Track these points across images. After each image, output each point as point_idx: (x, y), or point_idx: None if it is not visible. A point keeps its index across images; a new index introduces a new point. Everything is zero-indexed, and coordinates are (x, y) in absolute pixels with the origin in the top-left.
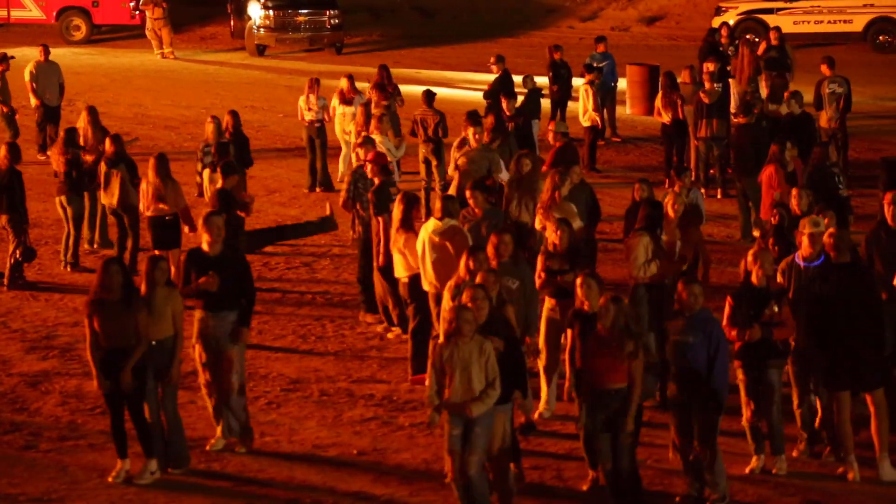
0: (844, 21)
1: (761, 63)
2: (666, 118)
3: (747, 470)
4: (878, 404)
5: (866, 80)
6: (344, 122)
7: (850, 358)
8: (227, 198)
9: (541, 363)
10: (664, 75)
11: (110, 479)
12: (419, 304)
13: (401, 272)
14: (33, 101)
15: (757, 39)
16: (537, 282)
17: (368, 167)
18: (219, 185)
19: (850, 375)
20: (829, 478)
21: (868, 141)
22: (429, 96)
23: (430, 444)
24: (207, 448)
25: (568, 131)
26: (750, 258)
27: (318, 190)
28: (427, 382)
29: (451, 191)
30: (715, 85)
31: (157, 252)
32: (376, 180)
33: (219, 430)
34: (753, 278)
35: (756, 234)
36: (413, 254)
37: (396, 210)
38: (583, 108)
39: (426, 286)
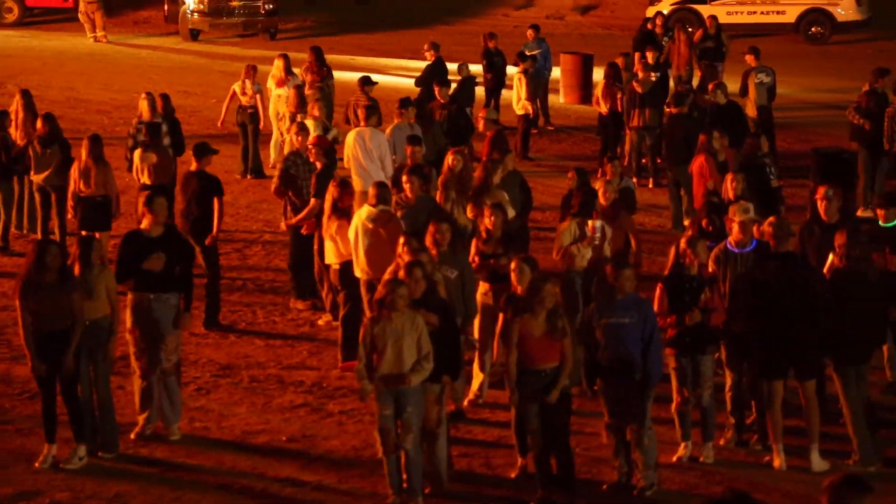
0: (777, 12)
1: (696, 51)
2: (604, 108)
3: (674, 458)
4: (810, 395)
5: (798, 71)
6: (278, 105)
7: (786, 347)
8: (207, 180)
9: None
10: (608, 66)
11: (37, 465)
12: (350, 291)
13: (332, 259)
14: None
15: (691, 29)
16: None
17: (312, 151)
18: (193, 167)
19: (786, 365)
20: (756, 466)
21: (798, 132)
22: (364, 82)
23: (360, 431)
24: (133, 436)
25: (498, 118)
26: (683, 244)
27: (248, 177)
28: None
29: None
30: (652, 74)
31: (84, 233)
32: (318, 164)
33: (142, 417)
34: (688, 265)
35: (687, 223)
36: (345, 240)
37: (329, 196)
38: (516, 97)
39: (358, 273)
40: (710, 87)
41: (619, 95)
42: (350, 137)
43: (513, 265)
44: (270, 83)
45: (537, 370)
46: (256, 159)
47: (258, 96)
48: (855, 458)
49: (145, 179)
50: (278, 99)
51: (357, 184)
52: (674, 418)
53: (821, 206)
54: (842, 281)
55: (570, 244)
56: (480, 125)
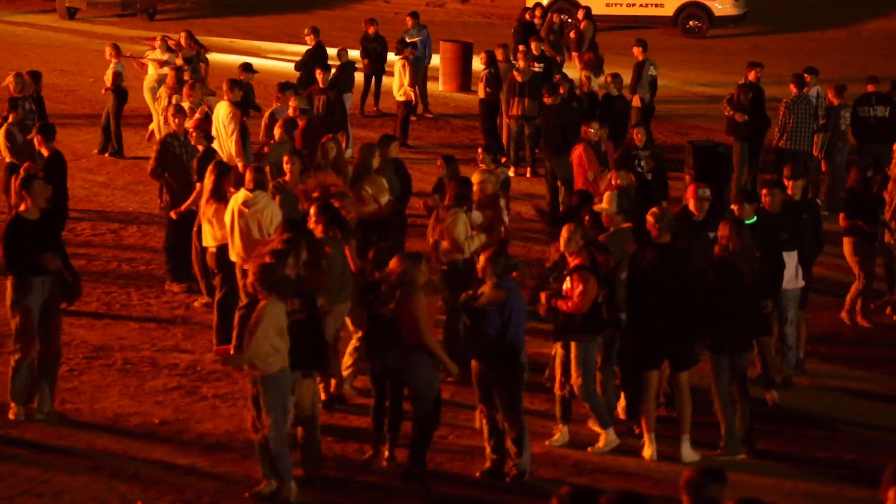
0: (656, 5)
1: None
2: (483, 95)
3: (547, 442)
4: (683, 386)
5: (676, 64)
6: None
7: (663, 338)
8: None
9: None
10: (486, 54)
11: None
12: (226, 275)
13: (209, 242)
14: None
15: (570, 20)
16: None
17: (193, 135)
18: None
19: (662, 356)
20: (627, 454)
21: (675, 124)
22: (244, 69)
23: (234, 414)
24: (12, 416)
25: (308, 108)
26: (565, 234)
27: (107, 154)
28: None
29: None
30: (535, 65)
31: None
32: (200, 147)
33: (12, 406)
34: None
35: None
36: (221, 224)
37: (207, 180)
38: (398, 83)
39: (234, 257)
40: (609, 79)
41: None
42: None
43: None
44: (151, 67)
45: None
46: (118, 138)
47: (119, 77)
48: (722, 447)
49: (8, 157)
50: (154, 81)
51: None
52: (556, 402)
53: (692, 204)
54: (719, 272)
55: (467, 237)
56: (290, 111)
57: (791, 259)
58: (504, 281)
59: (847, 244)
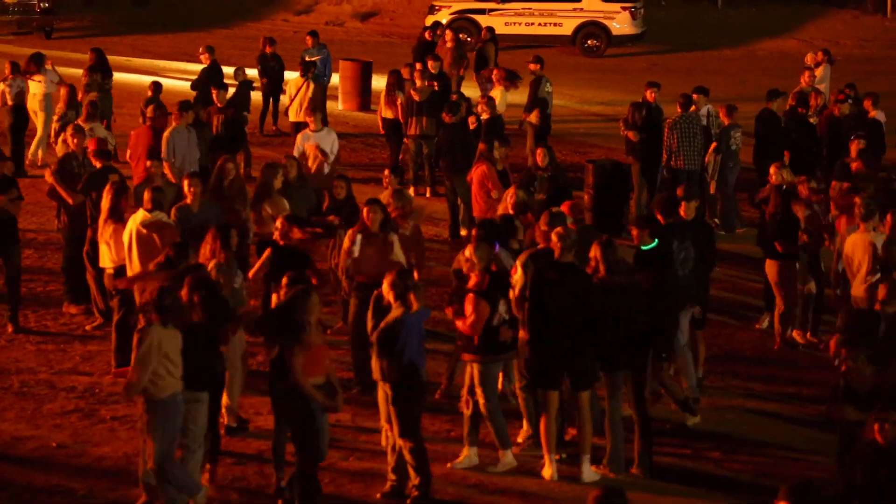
0: (554, 24)
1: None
2: (388, 115)
3: (449, 465)
4: (584, 406)
5: (574, 83)
6: (33, 103)
7: (563, 356)
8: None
9: None
10: (390, 73)
11: None
12: (124, 296)
13: (106, 263)
14: None
15: (469, 39)
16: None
17: (91, 153)
18: None
19: (562, 374)
20: (528, 474)
21: (574, 143)
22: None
23: (132, 437)
24: None
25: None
26: (469, 253)
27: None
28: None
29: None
30: (434, 83)
31: None
32: (98, 164)
33: None
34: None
35: (464, 232)
36: (119, 245)
37: (105, 200)
38: (298, 103)
39: None
40: (483, 99)
41: (399, 103)
42: None
43: (284, 280)
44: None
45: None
46: (21, 157)
47: (18, 96)
48: (605, 463)
49: None
50: (33, 97)
51: None
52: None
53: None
54: (604, 291)
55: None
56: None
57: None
58: (405, 302)
59: (773, 267)
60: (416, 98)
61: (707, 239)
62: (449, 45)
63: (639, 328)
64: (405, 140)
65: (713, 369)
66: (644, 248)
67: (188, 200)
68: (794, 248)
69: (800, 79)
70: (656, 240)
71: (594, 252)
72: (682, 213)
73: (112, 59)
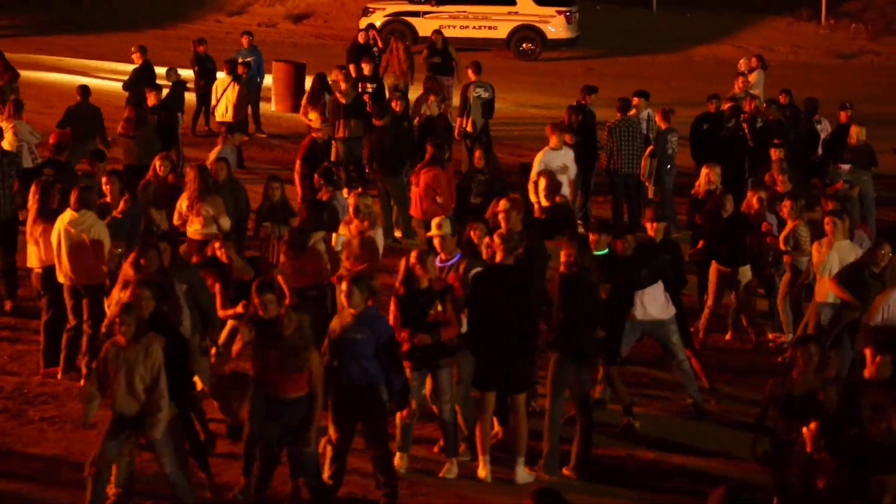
0: (489, 27)
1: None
2: (312, 118)
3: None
4: (520, 408)
5: (509, 86)
6: None
7: (500, 359)
8: None
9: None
10: (315, 76)
11: None
12: (52, 297)
13: (34, 263)
14: None
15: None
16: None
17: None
18: None
19: (499, 376)
20: (463, 477)
21: (510, 147)
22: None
23: (61, 438)
24: None
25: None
26: (413, 259)
27: None
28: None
29: None
30: (369, 85)
31: None
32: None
33: None
34: (418, 279)
35: (398, 234)
36: (48, 245)
37: (32, 199)
38: (225, 104)
39: (61, 278)
40: (432, 98)
41: (325, 104)
42: None
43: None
44: None
45: (282, 399)
46: None
47: None
48: (540, 465)
49: None
50: None
51: None
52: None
53: (502, 217)
54: (567, 283)
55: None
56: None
57: (657, 288)
58: (368, 310)
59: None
60: (343, 101)
61: (675, 259)
62: (402, 54)
63: (593, 329)
64: (332, 143)
65: (647, 373)
66: (597, 252)
67: (108, 199)
68: (738, 253)
69: (733, 84)
70: (608, 247)
71: (568, 248)
72: (650, 234)
73: (45, 59)
